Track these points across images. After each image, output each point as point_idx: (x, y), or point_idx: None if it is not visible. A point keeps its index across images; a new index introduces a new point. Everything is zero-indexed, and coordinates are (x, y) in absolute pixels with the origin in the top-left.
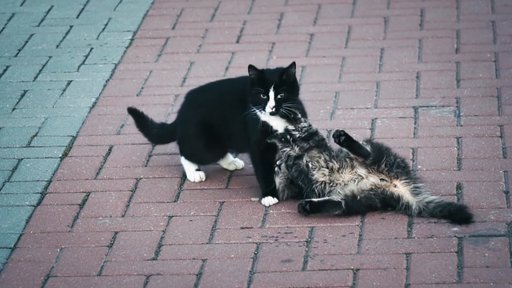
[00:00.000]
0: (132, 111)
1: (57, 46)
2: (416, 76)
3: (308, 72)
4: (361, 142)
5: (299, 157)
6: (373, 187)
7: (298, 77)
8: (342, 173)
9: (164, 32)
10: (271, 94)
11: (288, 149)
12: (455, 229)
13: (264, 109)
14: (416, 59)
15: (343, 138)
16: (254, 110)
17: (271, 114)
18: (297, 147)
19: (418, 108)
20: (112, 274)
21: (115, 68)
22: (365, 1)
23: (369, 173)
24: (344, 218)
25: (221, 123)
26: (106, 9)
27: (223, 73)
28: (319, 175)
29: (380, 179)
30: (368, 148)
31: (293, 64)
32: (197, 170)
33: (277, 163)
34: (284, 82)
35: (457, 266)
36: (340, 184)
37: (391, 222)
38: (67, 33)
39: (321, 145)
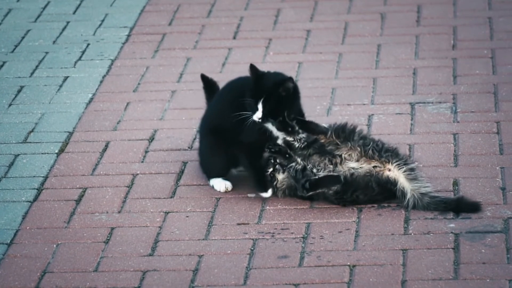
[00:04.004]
0: (205, 79)
1: (54, 42)
2: (413, 73)
3: (304, 68)
4: (315, 122)
5: (304, 168)
6: (366, 173)
7: (295, 73)
8: (342, 164)
9: (160, 28)
10: (260, 106)
11: (294, 164)
12: (452, 225)
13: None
14: (413, 55)
15: (295, 121)
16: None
17: (261, 122)
18: (299, 158)
19: (415, 105)
20: (108, 270)
21: (112, 64)
22: None
23: (358, 161)
24: (341, 214)
25: (226, 128)
26: (103, 5)
27: (220, 69)
28: (325, 173)
29: (373, 166)
30: (326, 125)
31: (290, 79)
32: (224, 179)
33: (278, 161)
34: (278, 94)
35: (453, 263)
36: (338, 173)
37: (387, 218)
38: (63, 29)
39: (321, 150)
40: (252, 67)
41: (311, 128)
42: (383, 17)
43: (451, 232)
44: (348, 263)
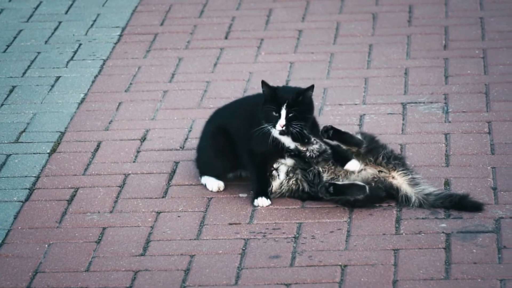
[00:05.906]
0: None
1: (46, 42)
2: (404, 73)
3: (296, 68)
4: (351, 133)
5: (319, 173)
6: (374, 177)
7: (286, 73)
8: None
9: (152, 28)
10: (283, 112)
11: (312, 168)
12: (443, 225)
13: (274, 126)
14: (405, 55)
15: (331, 132)
16: (266, 126)
17: (281, 133)
18: (313, 163)
19: (406, 104)
20: (100, 270)
21: (104, 64)
22: None
23: (366, 165)
24: (332, 214)
25: (234, 137)
26: (95, 5)
27: (212, 69)
28: (328, 175)
29: (379, 171)
30: (359, 136)
31: (312, 87)
32: (217, 178)
33: (274, 166)
34: (299, 102)
35: (444, 262)
36: (341, 175)
37: (379, 218)
38: (55, 29)
39: (328, 158)
40: (264, 82)
41: (346, 139)
42: (375, 17)
43: (443, 232)
44: (340, 263)
